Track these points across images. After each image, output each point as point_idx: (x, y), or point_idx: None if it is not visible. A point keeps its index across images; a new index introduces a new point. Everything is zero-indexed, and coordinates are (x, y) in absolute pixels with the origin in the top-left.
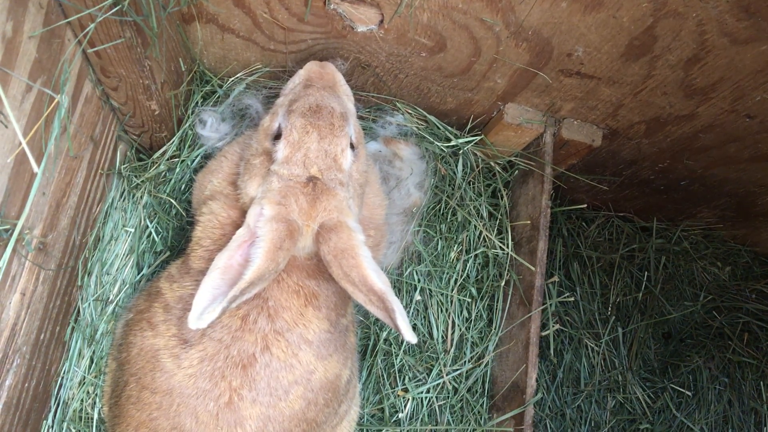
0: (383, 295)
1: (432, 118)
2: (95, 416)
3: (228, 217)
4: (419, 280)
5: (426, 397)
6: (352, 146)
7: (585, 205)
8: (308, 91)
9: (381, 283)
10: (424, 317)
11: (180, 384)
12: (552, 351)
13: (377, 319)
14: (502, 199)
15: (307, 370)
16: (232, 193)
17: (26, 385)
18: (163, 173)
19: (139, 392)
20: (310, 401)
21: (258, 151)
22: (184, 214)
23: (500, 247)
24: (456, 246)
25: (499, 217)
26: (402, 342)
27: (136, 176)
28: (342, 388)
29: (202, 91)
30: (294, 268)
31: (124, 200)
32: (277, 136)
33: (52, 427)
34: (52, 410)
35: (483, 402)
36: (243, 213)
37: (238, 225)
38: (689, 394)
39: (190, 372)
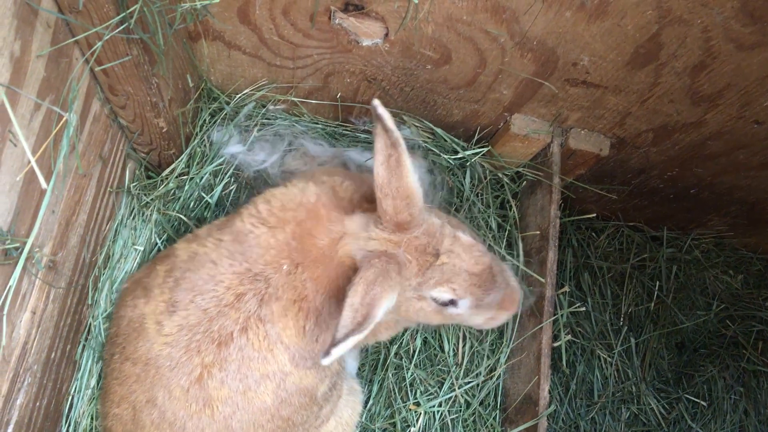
0: (366, 324)
1: (439, 130)
2: None
3: (310, 205)
4: None
5: (438, 411)
6: (452, 302)
7: (594, 215)
8: (504, 282)
9: (378, 317)
10: (435, 330)
11: (158, 354)
12: (564, 362)
13: None
14: (510, 211)
15: (281, 370)
16: (338, 199)
17: (37, 403)
18: (172, 191)
19: (121, 364)
20: (284, 400)
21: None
22: (194, 229)
23: (510, 258)
24: None
25: (508, 228)
26: (413, 356)
27: (145, 194)
28: (319, 397)
29: (209, 109)
30: (312, 265)
31: (133, 218)
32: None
33: None
34: (64, 429)
35: (496, 415)
36: (329, 211)
37: (310, 213)
38: (704, 404)
39: (168, 340)
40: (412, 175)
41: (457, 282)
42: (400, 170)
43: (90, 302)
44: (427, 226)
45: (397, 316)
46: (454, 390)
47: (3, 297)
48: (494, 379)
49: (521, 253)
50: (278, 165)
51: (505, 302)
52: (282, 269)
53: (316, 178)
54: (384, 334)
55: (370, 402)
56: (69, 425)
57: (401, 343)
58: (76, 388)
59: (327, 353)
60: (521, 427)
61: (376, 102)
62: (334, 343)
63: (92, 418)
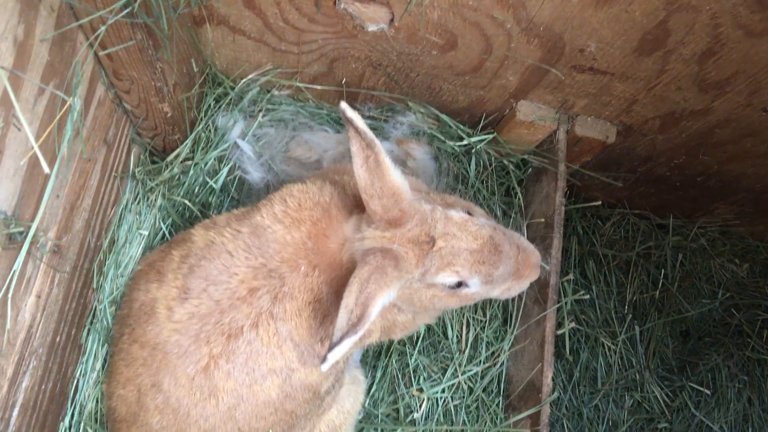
0: (361, 324)
1: (444, 116)
2: None
3: (326, 204)
4: None
5: (441, 397)
6: (459, 284)
7: (599, 203)
8: (513, 244)
9: (373, 315)
10: (439, 317)
11: (166, 339)
12: (568, 350)
13: None
14: (515, 198)
15: (288, 366)
16: (346, 197)
17: (43, 387)
18: (177, 176)
19: (129, 346)
20: (288, 394)
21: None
22: (199, 215)
23: None
24: None
25: (513, 215)
26: (417, 342)
27: (150, 179)
28: (323, 392)
29: (214, 93)
30: (327, 269)
31: (138, 203)
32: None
33: (69, 428)
34: (69, 412)
35: (499, 401)
36: (339, 211)
37: (325, 212)
38: (708, 392)
39: (178, 327)
40: (394, 172)
41: (458, 263)
42: (380, 170)
43: (95, 286)
44: (419, 215)
45: (414, 309)
46: (458, 376)
47: (8, 281)
48: (498, 365)
49: None
50: (282, 152)
51: (521, 269)
52: (300, 270)
53: (330, 176)
54: (399, 333)
55: (374, 387)
56: (74, 408)
57: None
58: (81, 371)
59: (324, 359)
60: (524, 414)
61: (344, 105)
62: (331, 347)
63: (97, 401)
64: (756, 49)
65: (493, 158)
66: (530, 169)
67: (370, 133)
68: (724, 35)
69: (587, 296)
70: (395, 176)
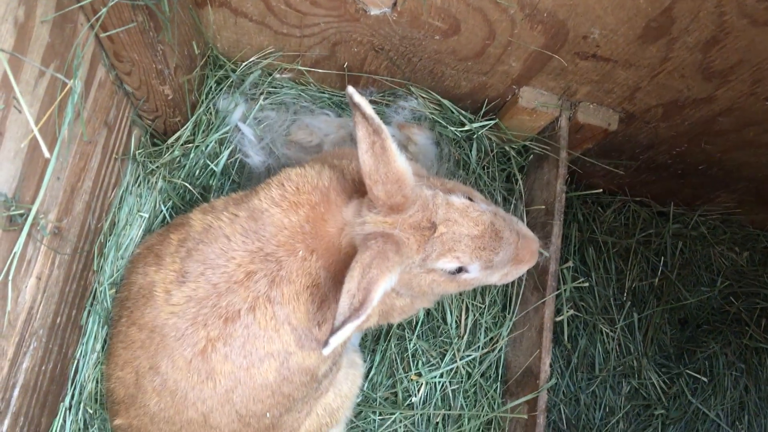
0: (363, 309)
1: (446, 102)
2: None
3: (324, 188)
4: None
5: (439, 382)
6: (461, 269)
7: (600, 190)
8: (514, 231)
9: (375, 300)
10: (438, 302)
11: (164, 322)
12: (566, 336)
13: None
14: (516, 184)
15: (285, 349)
16: (345, 182)
17: (43, 367)
18: (178, 158)
19: (128, 328)
20: (286, 378)
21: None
22: (199, 197)
23: None
24: None
25: (514, 201)
26: (415, 327)
27: (150, 161)
28: (320, 376)
29: (215, 76)
30: (325, 253)
31: (138, 185)
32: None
33: (69, 409)
34: (69, 393)
35: (496, 387)
36: (338, 196)
37: (323, 196)
38: (705, 380)
39: (175, 310)
40: (399, 158)
41: (459, 249)
42: (386, 156)
43: (95, 268)
44: (421, 201)
45: (412, 294)
46: (456, 361)
47: (8, 263)
48: (496, 351)
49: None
50: (283, 136)
51: (520, 255)
52: (297, 254)
53: (329, 161)
54: (397, 317)
55: (373, 371)
56: (75, 388)
57: None
58: (81, 352)
59: (326, 343)
60: (521, 400)
61: (351, 90)
62: (333, 332)
63: (98, 382)
64: (761, 38)
65: (494, 144)
66: (531, 156)
67: (377, 119)
68: (728, 23)
69: (586, 283)
70: (401, 162)
